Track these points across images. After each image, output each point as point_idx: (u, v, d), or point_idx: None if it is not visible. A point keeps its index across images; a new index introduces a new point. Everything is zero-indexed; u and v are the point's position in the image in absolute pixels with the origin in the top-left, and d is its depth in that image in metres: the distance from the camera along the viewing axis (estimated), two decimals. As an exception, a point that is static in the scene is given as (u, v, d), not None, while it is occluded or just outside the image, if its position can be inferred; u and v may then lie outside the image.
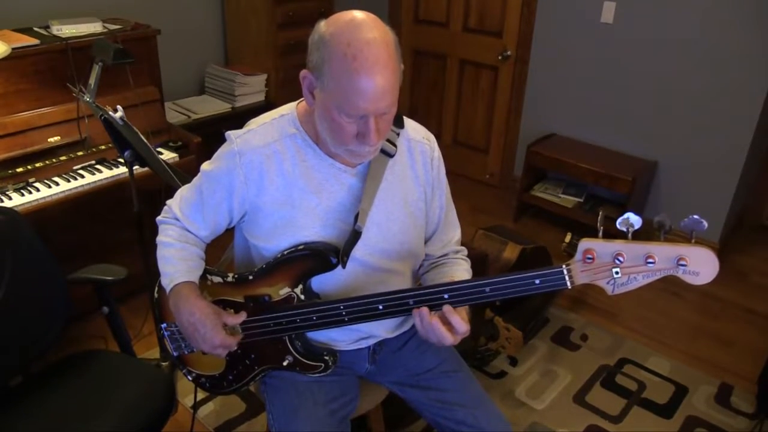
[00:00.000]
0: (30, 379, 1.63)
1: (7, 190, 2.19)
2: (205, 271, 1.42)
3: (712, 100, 3.04)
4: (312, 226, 1.33)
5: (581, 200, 3.46)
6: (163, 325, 1.52)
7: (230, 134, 1.34)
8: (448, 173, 1.50)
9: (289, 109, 1.37)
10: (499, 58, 3.70)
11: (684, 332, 2.76)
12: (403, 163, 1.40)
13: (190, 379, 1.56)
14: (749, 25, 2.84)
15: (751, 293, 3.04)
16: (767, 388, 2.29)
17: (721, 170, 3.11)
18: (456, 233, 1.54)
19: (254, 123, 1.36)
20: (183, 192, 1.45)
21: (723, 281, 3.09)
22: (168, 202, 1.47)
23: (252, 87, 3.36)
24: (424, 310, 1.21)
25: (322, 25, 1.17)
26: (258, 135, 1.33)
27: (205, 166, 1.39)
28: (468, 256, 1.56)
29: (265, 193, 1.32)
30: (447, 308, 1.20)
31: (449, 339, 1.21)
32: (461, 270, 1.47)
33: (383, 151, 1.34)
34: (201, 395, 2.22)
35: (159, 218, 1.47)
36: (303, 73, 1.21)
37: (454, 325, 1.20)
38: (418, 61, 4.08)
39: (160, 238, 1.42)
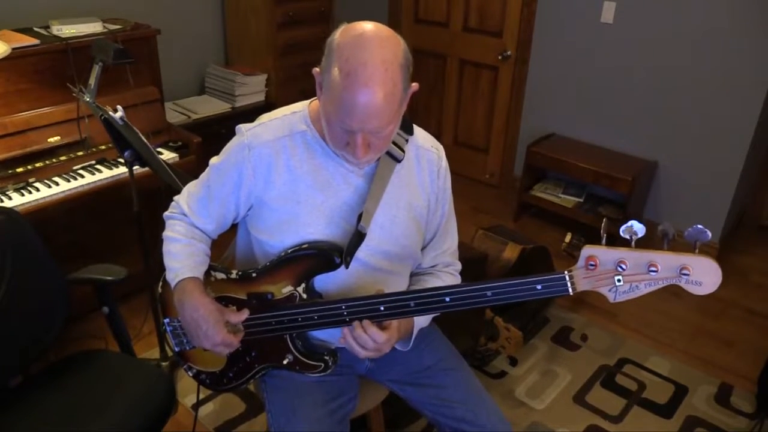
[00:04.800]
0: (30, 379, 1.62)
1: (7, 190, 2.19)
2: (209, 267, 1.43)
3: (712, 100, 3.04)
4: (316, 224, 1.34)
5: (581, 200, 3.46)
6: (166, 320, 1.52)
7: (241, 127, 1.36)
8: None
9: (301, 106, 1.38)
10: (499, 58, 3.70)
11: (684, 332, 2.76)
12: (409, 169, 1.40)
13: (191, 375, 1.57)
14: (749, 25, 2.84)
15: (751, 293, 3.04)
16: (767, 388, 2.29)
17: (721, 170, 3.11)
18: (452, 243, 1.54)
19: (265, 117, 1.38)
20: (190, 188, 1.47)
21: (723, 281, 3.07)
22: (176, 197, 1.49)
23: (252, 87, 3.36)
24: (355, 324, 1.27)
25: (338, 32, 1.18)
26: (268, 129, 1.34)
27: (214, 159, 1.41)
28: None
29: (271, 188, 1.33)
30: (366, 322, 1.26)
31: (370, 344, 1.27)
32: (440, 283, 1.46)
33: (391, 156, 1.35)
34: (201, 395, 2.22)
35: (166, 213, 1.48)
36: (315, 70, 1.24)
37: (371, 336, 1.26)
38: (418, 61, 4.04)
39: (166, 233, 1.43)
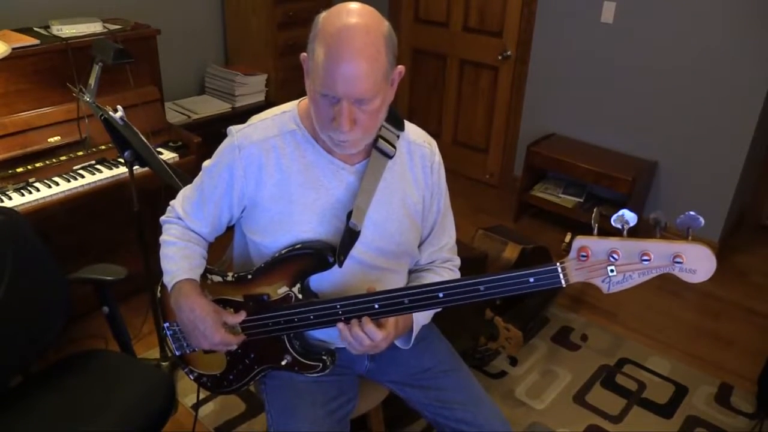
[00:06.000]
0: (30, 379, 1.62)
1: (7, 190, 2.19)
2: (206, 270, 1.44)
3: (712, 100, 3.04)
4: (308, 222, 1.34)
5: (581, 200, 3.46)
6: (166, 324, 1.53)
7: (231, 129, 1.37)
8: (448, 173, 1.50)
9: (290, 106, 1.39)
10: (499, 58, 3.70)
11: (684, 332, 2.76)
12: (402, 165, 1.40)
13: (192, 378, 1.57)
14: (749, 25, 2.84)
15: (751, 293, 3.04)
16: (767, 388, 2.29)
17: (721, 170, 3.11)
18: (450, 240, 1.54)
19: (255, 119, 1.39)
20: (185, 192, 1.48)
21: (723, 281, 3.09)
22: (171, 202, 1.50)
23: (252, 87, 3.36)
24: (353, 321, 1.28)
25: (322, 12, 1.21)
26: (258, 130, 1.35)
27: (206, 162, 1.42)
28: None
29: (263, 188, 1.34)
30: (365, 319, 1.27)
31: (366, 342, 1.27)
32: (437, 279, 1.46)
33: (382, 152, 1.35)
34: (201, 395, 2.22)
35: (163, 218, 1.49)
36: (302, 56, 1.26)
37: (368, 334, 1.26)
38: (418, 60, 4.07)
39: (163, 237, 1.44)
